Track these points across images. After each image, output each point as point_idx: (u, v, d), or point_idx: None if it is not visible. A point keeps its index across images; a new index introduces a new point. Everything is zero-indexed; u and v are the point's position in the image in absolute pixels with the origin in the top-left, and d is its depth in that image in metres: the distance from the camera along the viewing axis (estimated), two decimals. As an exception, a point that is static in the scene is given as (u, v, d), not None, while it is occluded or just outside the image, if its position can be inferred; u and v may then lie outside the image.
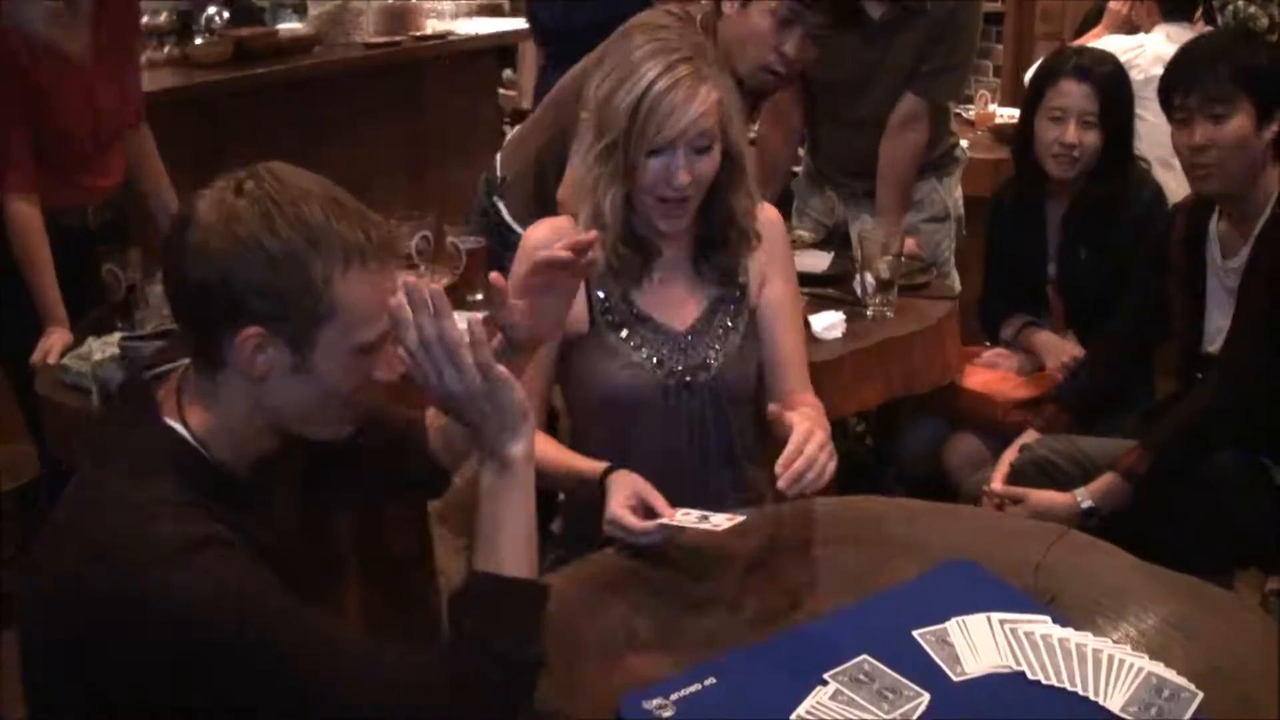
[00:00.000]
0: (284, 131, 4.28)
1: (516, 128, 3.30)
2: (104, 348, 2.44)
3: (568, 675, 1.53)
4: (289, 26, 5.02)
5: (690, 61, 1.94)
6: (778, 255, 2.18)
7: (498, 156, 2.96)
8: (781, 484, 1.70)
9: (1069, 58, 2.86)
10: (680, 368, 2.07)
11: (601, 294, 2.08)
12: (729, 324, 2.11)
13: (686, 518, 1.72)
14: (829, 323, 2.56)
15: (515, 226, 2.73)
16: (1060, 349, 2.90)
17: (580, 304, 2.03)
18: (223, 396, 1.43)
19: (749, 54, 2.52)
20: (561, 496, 2.21)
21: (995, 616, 1.55)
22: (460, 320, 2.55)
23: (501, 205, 2.84)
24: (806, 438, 1.74)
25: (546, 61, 3.87)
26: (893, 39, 3.02)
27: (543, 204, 2.53)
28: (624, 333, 2.08)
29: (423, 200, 3.41)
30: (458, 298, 2.77)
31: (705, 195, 2.03)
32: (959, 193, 3.39)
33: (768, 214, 2.17)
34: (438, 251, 2.89)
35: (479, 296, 2.83)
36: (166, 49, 4.41)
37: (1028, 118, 2.87)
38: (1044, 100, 2.80)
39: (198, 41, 4.56)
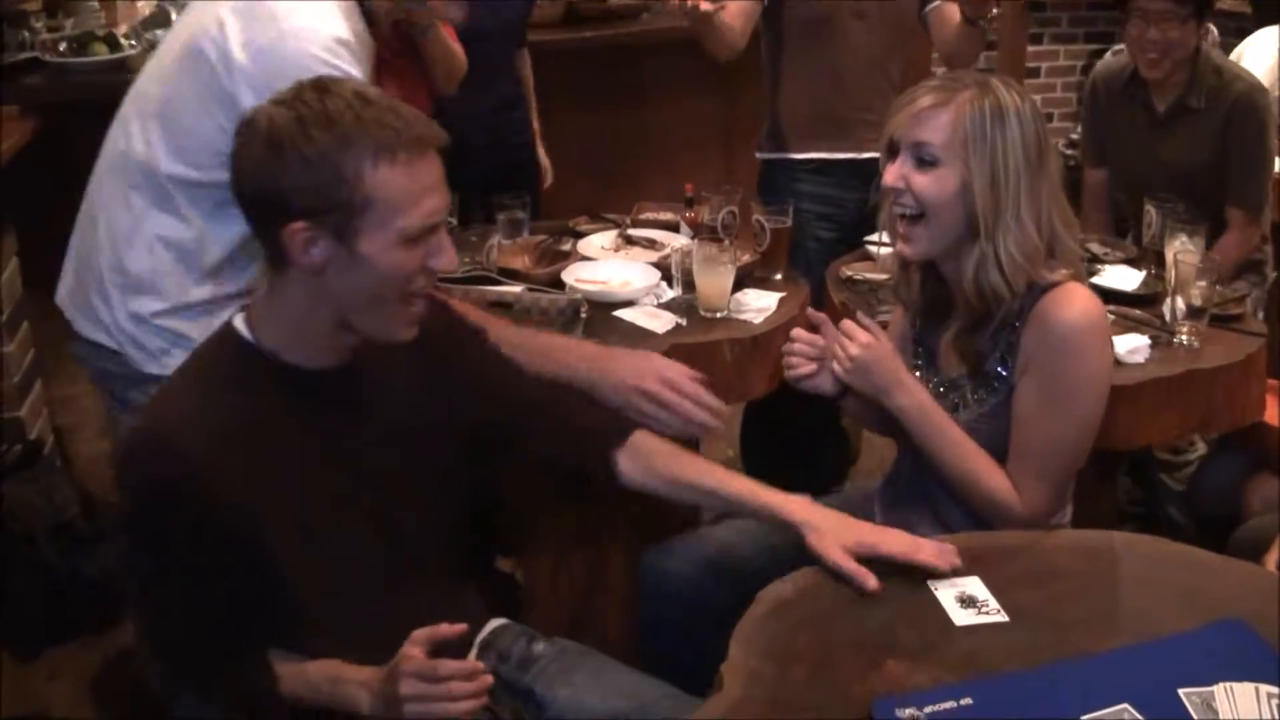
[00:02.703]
0: (604, 95, 4.41)
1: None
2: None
3: (822, 668, 1.58)
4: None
5: (956, 81, 2.00)
6: (1043, 355, 2.00)
7: None
8: None
9: None
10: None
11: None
12: (980, 395, 2.09)
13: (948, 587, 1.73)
14: (1133, 346, 2.48)
15: None
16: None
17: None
18: (286, 293, 1.62)
19: None
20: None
21: (1264, 689, 1.50)
22: (760, 298, 2.64)
23: None
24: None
25: None
26: None
27: None
28: (919, 350, 2.18)
29: (733, 176, 3.46)
30: (759, 276, 2.83)
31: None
32: None
33: (1054, 311, 2.00)
34: (744, 228, 2.95)
35: (779, 276, 2.88)
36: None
37: None
38: None
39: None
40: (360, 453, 1.73)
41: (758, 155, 3.47)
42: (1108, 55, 4.63)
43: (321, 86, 1.58)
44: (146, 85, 2.11)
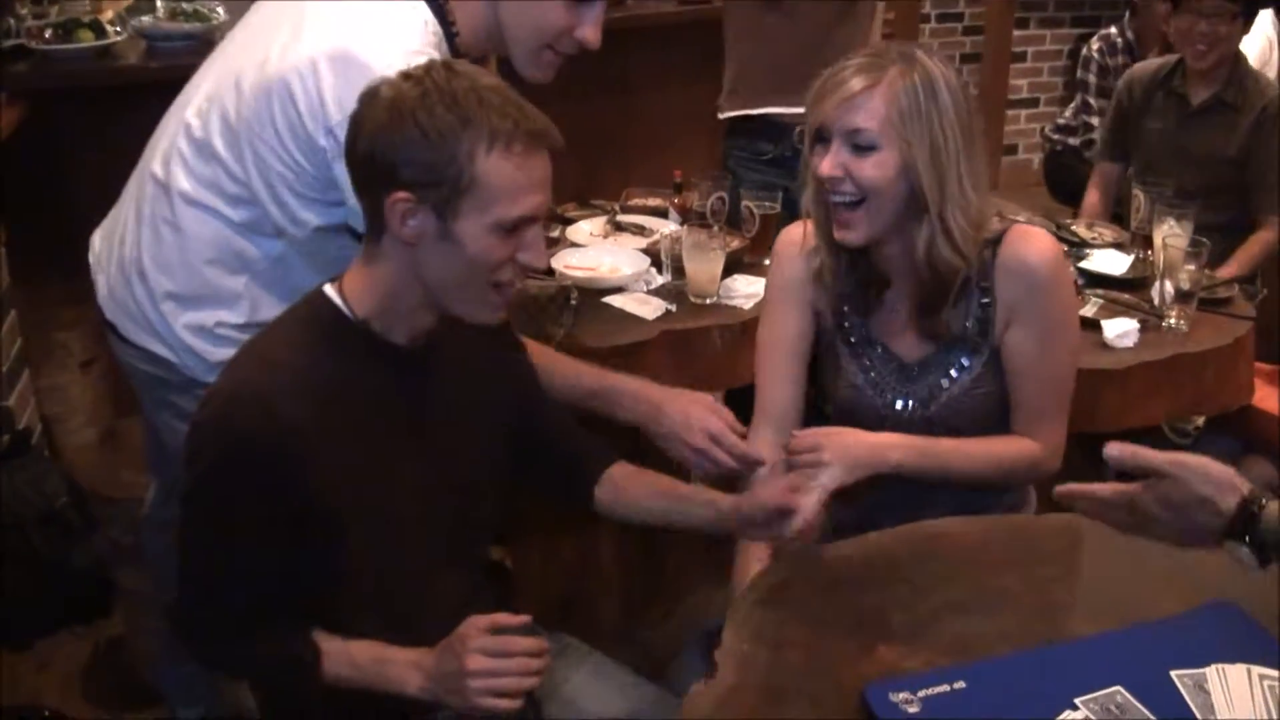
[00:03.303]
0: (591, 81, 4.37)
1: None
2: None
3: (815, 653, 1.59)
4: (608, -24, 5.11)
5: (880, 58, 1.92)
6: (1024, 298, 2.00)
7: None
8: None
9: None
10: (903, 397, 2.05)
11: (847, 309, 2.08)
12: (961, 363, 2.04)
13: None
14: (1122, 330, 2.50)
15: None
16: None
17: (828, 309, 2.09)
18: (381, 261, 1.63)
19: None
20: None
21: (1256, 670, 1.51)
22: (749, 284, 2.63)
23: None
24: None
25: None
26: None
27: None
28: (858, 351, 2.08)
29: (721, 162, 3.46)
30: (748, 262, 2.83)
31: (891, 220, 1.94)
32: None
33: (1021, 251, 2.00)
34: (732, 213, 2.95)
35: (768, 261, 2.87)
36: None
37: None
38: None
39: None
40: (426, 434, 1.74)
41: (719, 115, 3.42)
42: (1095, 41, 4.66)
43: (450, 67, 1.60)
44: (214, 101, 2.03)
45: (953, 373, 2.03)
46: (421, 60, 1.83)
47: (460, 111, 1.53)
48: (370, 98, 1.58)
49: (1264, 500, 1.44)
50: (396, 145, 1.54)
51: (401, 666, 1.66)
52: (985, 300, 2.00)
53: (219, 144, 2.00)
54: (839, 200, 1.93)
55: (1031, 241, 2.00)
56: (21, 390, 3.39)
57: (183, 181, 2.03)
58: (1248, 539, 1.44)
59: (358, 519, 1.66)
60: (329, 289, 1.68)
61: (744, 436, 2.02)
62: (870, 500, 2.00)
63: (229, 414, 1.60)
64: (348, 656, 1.68)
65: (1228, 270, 3.17)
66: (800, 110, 3.18)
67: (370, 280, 1.66)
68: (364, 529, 1.66)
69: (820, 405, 2.17)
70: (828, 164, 1.91)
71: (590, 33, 1.99)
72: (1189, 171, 3.30)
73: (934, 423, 2.03)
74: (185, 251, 2.05)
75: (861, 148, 1.90)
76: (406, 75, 1.58)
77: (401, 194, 1.54)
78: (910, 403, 2.04)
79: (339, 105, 1.84)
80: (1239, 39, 3.32)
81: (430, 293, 1.64)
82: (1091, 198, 3.70)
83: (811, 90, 1.96)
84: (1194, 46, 3.30)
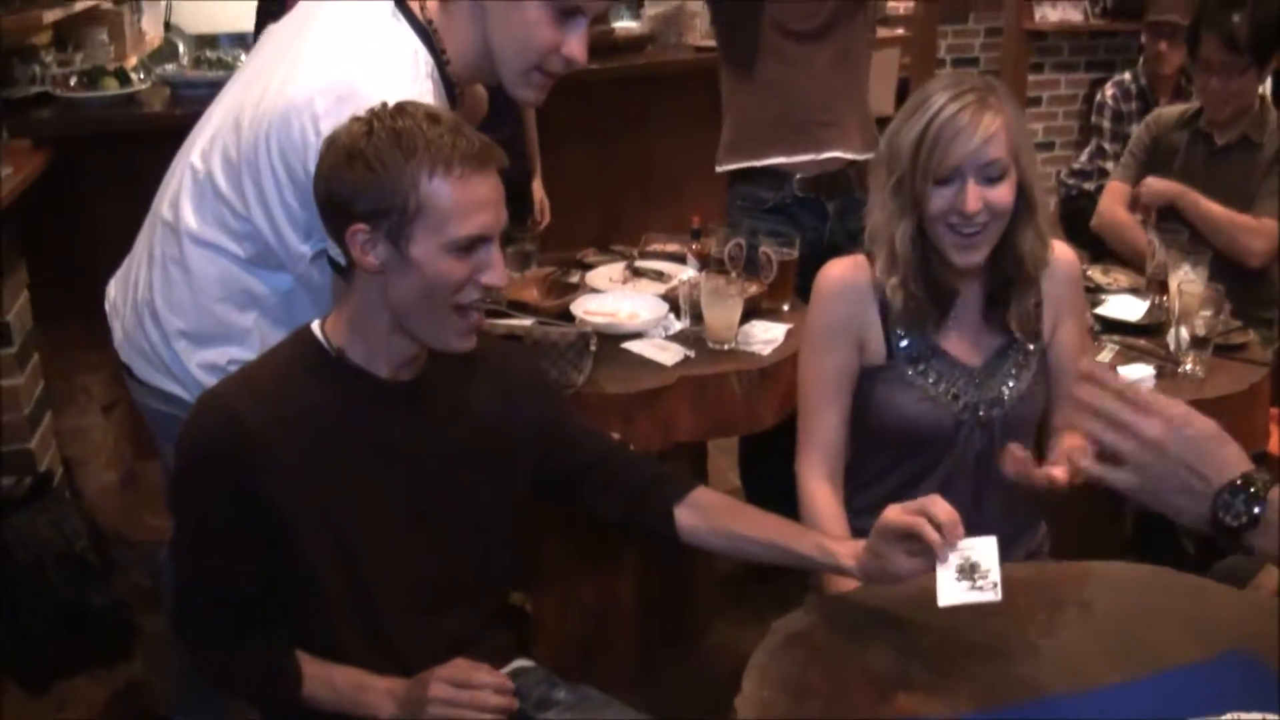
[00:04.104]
0: (610, 128, 4.44)
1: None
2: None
3: (835, 701, 1.59)
4: (625, 25, 5.17)
5: (977, 92, 2.01)
6: (1069, 294, 2.22)
7: None
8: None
9: None
10: (975, 401, 2.13)
11: (900, 331, 2.14)
12: (1021, 361, 2.16)
13: (955, 555, 1.64)
14: (1138, 376, 2.49)
15: None
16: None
17: (878, 338, 2.14)
18: (354, 295, 1.73)
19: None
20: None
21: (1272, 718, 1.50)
22: (767, 330, 2.65)
23: None
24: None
25: None
26: None
27: None
28: (921, 367, 2.14)
29: (725, 213, 3.49)
30: (766, 308, 2.85)
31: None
32: None
33: (1062, 253, 2.20)
34: (749, 259, 2.96)
35: (786, 307, 2.90)
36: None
37: None
38: None
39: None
40: (418, 468, 1.79)
41: (718, 169, 3.42)
42: (1109, 86, 4.68)
43: (399, 108, 1.69)
44: (215, 140, 2.06)
45: (1013, 371, 2.16)
46: (415, 90, 1.90)
47: (403, 144, 1.63)
48: (330, 143, 1.70)
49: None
50: (348, 181, 1.65)
51: (378, 694, 1.75)
52: (1036, 301, 2.16)
53: (222, 181, 2.04)
54: (971, 230, 2.03)
55: (1059, 245, 2.20)
56: (43, 433, 3.42)
57: (190, 221, 2.06)
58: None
59: (324, 542, 1.72)
60: (314, 324, 1.79)
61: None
62: None
63: (198, 422, 1.72)
64: (329, 680, 1.77)
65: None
66: (801, 159, 3.26)
67: (345, 313, 1.76)
68: (334, 555, 1.73)
69: (867, 432, 2.22)
70: (972, 201, 2.00)
71: (576, 48, 2.03)
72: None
73: (1009, 422, 2.14)
74: (195, 290, 2.08)
75: (993, 178, 2.01)
76: (357, 119, 1.69)
77: (359, 225, 1.65)
78: (983, 405, 2.13)
79: None
80: (1255, 89, 3.34)
81: (398, 319, 1.72)
82: (1110, 206, 3.60)
83: (922, 135, 2.02)
84: (1211, 103, 3.35)
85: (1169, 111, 3.61)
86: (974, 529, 1.86)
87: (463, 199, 1.65)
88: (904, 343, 2.15)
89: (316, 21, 2.07)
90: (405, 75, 1.97)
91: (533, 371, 2.04)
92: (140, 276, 2.16)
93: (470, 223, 1.66)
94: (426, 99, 1.92)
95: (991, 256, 2.09)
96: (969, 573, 1.64)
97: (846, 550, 1.77)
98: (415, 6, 2.05)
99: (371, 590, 1.76)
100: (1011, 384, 2.15)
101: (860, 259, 2.18)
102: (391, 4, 2.03)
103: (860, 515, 2.15)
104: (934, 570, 1.64)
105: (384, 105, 1.70)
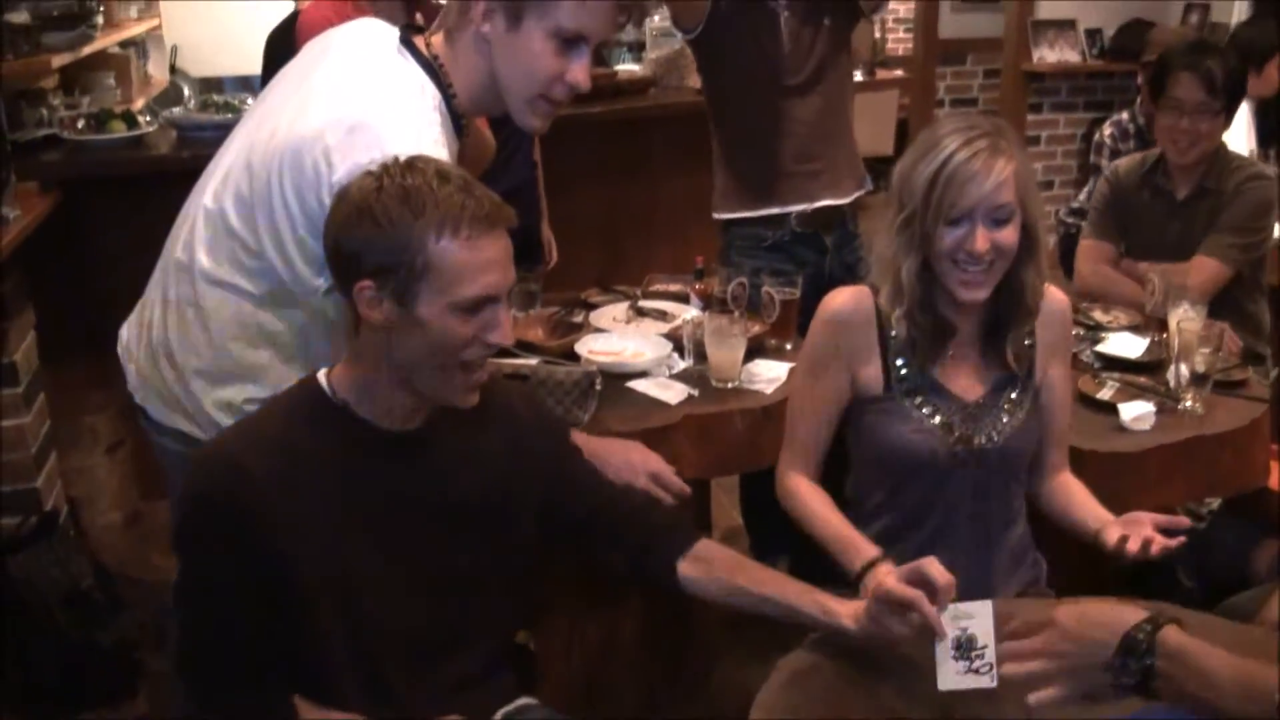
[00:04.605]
0: (614, 169, 4.47)
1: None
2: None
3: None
4: (627, 68, 5.24)
5: (989, 137, 2.05)
6: (1061, 337, 2.29)
7: None
8: None
9: None
10: (970, 434, 2.15)
11: (900, 362, 2.19)
12: (1014, 398, 2.20)
13: (952, 626, 1.69)
14: (1138, 413, 2.51)
15: None
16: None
17: (877, 368, 2.19)
18: (362, 349, 1.75)
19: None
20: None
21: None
22: (771, 369, 2.67)
23: None
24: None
25: None
26: None
27: None
28: (918, 399, 2.17)
29: (722, 255, 3.52)
30: (769, 347, 2.87)
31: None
32: None
33: (1054, 296, 2.27)
34: (753, 297, 2.98)
35: (789, 346, 2.91)
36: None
37: None
38: None
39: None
40: (423, 518, 1.79)
41: (715, 216, 3.47)
42: (1107, 126, 4.72)
43: (409, 164, 1.70)
44: (228, 180, 2.08)
45: (1008, 406, 2.19)
46: (424, 123, 1.92)
47: (412, 202, 1.64)
48: (340, 197, 1.71)
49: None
50: (357, 237, 1.66)
51: None
52: (1029, 342, 2.23)
53: (235, 219, 2.05)
54: (977, 269, 2.07)
55: (1053, 289, 2.27)
56: (49, 472, 3.43)
57: (204, 261, 2.08)
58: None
59: (327, 588, 1.71)
60: (320, 374, 1.79)
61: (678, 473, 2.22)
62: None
63: (202, 469, 1.72)
64: None
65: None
66: (796, 209, 3.30)
67: (351, 365, 1.77)
68: (336, 600, 1.72)
69: (864, 463, 2.27)
70: (981, 244, 2.05)
71: (580, 75, 2.07)
72: (1181, 262, 3.34)
73: (1004, 455, 2.18)
74: (210, 329, 2.09)
75: (1001, 220, 2.06)
76: (369, 173, 1.70)
77: (365, 282, 1.66)
78: (979, 438, 2.16)
79: (346, 170, 1.90)
80: (1220, 134, 3.38)
81: (401, 374, 1.72)
82: (1086, 268, 3.65)
83: (935, 177, 2.05)
84: (1176, 144, 3.36)
85: (1126, 165, 3.63)
86: (974, 564, 1.89)
87: (470, 260, 1.66)
88: (903, 373, 2.18)
89: (325, 60, 2.11)
90: (414, 107, 2.00)
91: (538, 416, 2.04)
92: (154, 318, 2.17)
93: (477, 284, 1.67)
94: (434, 131, 1.95)
95: (993, 292, 2.13)
96: (966, 650, 1.68)
97: (847, 611, 1.80)
98: (420, 42, 2.09)
99: (372, 638, 1.76)
100: (1006, 419, 2.18)
101: (864, 290, 2.24)
102: (397, 41, 2.08)
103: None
104: (931, 640, 1.69)
105: (395, 160, 1.71)
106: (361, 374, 1.76)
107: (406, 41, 2.08)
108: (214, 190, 2.10)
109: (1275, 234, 3.47)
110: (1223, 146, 3.42)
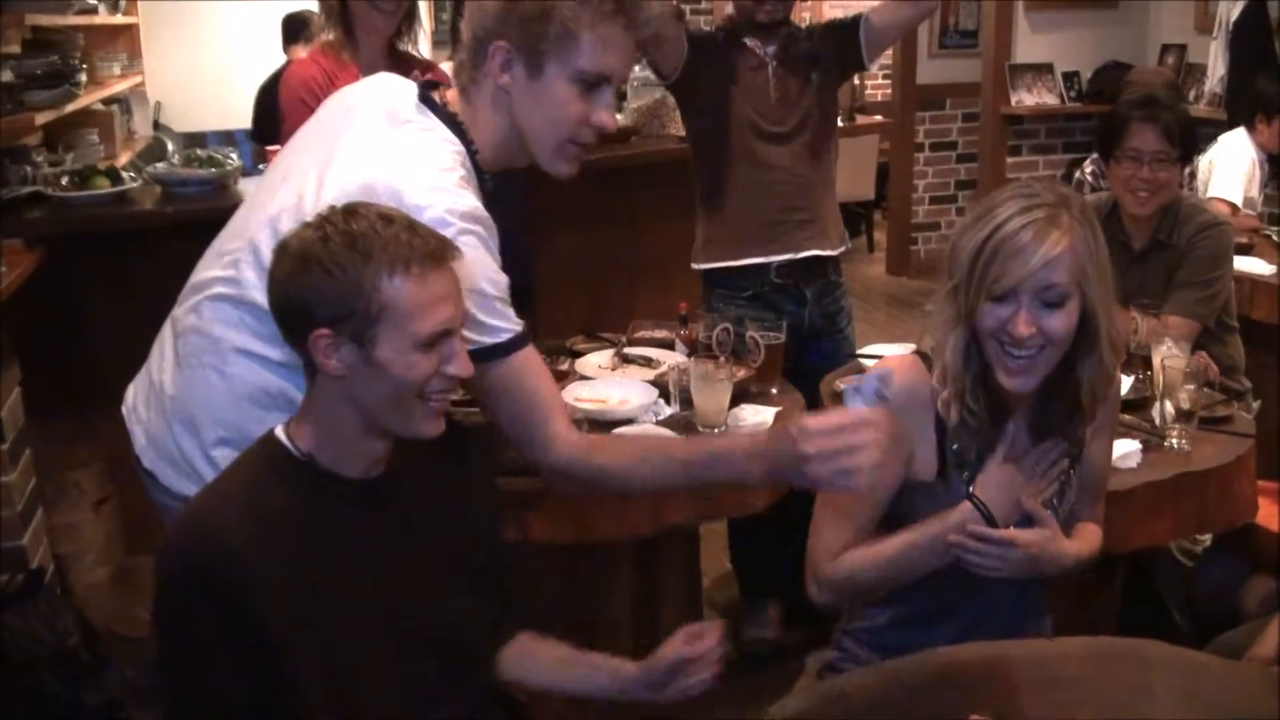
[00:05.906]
0: (597, 216, 4.48)
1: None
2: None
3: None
4: (609, 116, 5.24)
5: (1048, 208, 1.87)
6: (1110, 414, 2.14)
7: None
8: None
9: None
10: (1022, 524, 2.01)
11: (956, 446, 2.03)
12: (1066, 480, 2.07)
13: None
14: (1124, 451, 2.52)
15: None
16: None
17: (930, 451, 2.03)
18: (319, 400, 1.74)
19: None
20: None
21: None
22: (757, 413, 2.68)
23: None
24: None
25: None
26: None
27: None
28: (972, 488, 2.02)
29: (703, 304, 3.54)
30: (755, 391, 2.88)
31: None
32: None
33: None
34: (737, 343, 2.99)
35: (775, 391, 2.93)
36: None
37: None
38: None
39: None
40: (393, 566, 1.78)
41: (694, 266, 3.51)
42: (1087, 164, 4.76)
43: (350, 210, 1.70)
44: (249, 248, 2.03)
45: (1059, 489, 2.06)
46: (451, 179, 1.91)
47: (360, 247, 1.64)
48: (281, 251, 1.70)
49: None
50: (307, 287, 1.66)
51: None
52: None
53: (252, 286, 2.00)
54: (1023, 355, 1.90)
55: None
56: (35, 529, 3.41)
57: (225, 330, 2.04)
58: None
59: (308, 647, 1.68)
60: (278, 430, 1.77)
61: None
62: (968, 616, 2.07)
63: (176, 542, 1.69)
64: None
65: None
66: (779, 259, 3.32)
67: (311, 417, 1.76)
68: (318, 658, 1.69)
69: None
70: (1024, 326, 1.87)
71: (606, 117, 2.04)
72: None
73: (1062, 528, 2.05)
74: (236, 397, 2.04)
75: (1052, 303, 1.88)
76: (307, 225, 1.70)
77: (322, 331, 1.66)
78: (1028, 524, 2.02)
79: None
80: (1177, 182, 3.37)
81: (366, 417, 1.72)
82: None
83: (981, 247, 1.89)
84: (1136, 194, 3.32)
85: (1092, 203, 3.66)
86: (1013, 627, 1.88)
87: (424, 296, 1.67)
88: (959, 459, 2.03)
89: (349, 123, 2.06)
90: (440, 164, 1.97)
91: (483, 464, 2.01)
92: (166, 382, 2.11)
93: (433, 318, 1.68)
94: (466, 190, 1.94)
95: (1046, 380, 1.96)
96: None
97: (632, 668, 1.89)
98: (437, 97, 2.06)
99: (357, 693, 1.74)
100: (1058, 501, 2.06)
101: (916, 361, 2.07)
102: (415, 99, 2.05)
103: (899, 628, 2.11)
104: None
105: (333, 209, 1.71)
106: (324, 425, 1.74)
107: (426, 99, 2.06)
108: (232, 258, 2.06)
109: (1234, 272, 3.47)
110: (1178, 196, 3.41)
